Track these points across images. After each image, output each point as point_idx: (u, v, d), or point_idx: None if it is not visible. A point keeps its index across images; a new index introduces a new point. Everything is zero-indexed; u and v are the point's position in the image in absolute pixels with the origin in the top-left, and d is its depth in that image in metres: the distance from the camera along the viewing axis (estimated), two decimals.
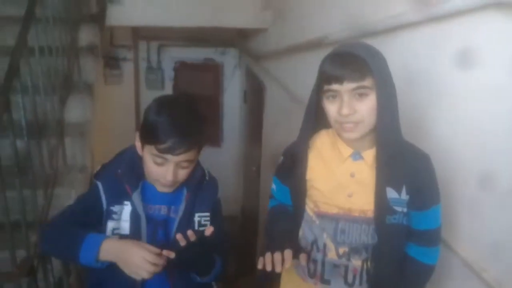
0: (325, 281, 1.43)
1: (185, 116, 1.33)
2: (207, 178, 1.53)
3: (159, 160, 1.32)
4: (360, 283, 1.41)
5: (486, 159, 1.34)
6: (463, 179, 1.41)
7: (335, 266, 1.41)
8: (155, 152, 1.31)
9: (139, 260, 1.25)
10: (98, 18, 3.24)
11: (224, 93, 5.66)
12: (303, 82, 2.99)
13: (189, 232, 1.31)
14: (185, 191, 1.46)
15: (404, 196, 1.32)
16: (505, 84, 1.26)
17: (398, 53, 1.33)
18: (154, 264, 1.26)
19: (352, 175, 1.35)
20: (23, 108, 2.04)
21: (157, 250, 1.28)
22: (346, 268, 1.40)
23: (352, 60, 1.21)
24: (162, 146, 1.29)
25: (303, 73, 2.99)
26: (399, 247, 1.40)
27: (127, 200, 1.41)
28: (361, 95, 1.22)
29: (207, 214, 1.50)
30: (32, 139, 2.14)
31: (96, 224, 1.43)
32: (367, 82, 1.21)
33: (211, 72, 5.55)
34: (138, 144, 1.40)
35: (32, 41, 2.22)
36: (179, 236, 1.31)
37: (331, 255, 1.41)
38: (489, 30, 1.31)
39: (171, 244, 1.36)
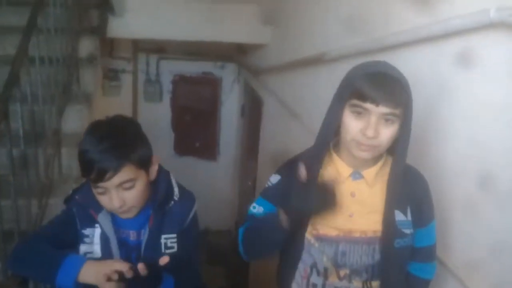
0: None
1: (107, 139, 1.27)
2: (176, 197, 1.44)
3: (100, 190, 1.29)
4: None
5: (486, 160, 1.35)
6: (462, 181, 1.42)
7: None
8: (92, 184, 1.29)
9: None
10: (99, 30, 3.26)
11: (222, 107, 5.66)
12: (301, 98, 3.01)
13: (140, 266, 1.23)
14: (149, 215, 1.41)
15: (410, 217, 1.32)
16: (505, 84, 1.26)
17: (401, 70, 1.33)
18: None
19: (352, 195, 1.32)
20: (21, 117, 2.04)
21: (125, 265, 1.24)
22: None
23: (392, 85, 1.20)
24: (92, 177, 1.26)
25: (302, 88, 3.00)
26: (405, 268, 1.41)
27: (96, 223, 1.39)
28: (387, 121, 1.20)
29: (174, 236, 1.43)
30: (28, 148, 2.13)
31: (70, 247, 1.40)
32: (399, 110, 1.20)
33: (210, 86, 5.57)
34: None
35: (33, 51, 2.22)
36: (140, 267, 1.24)
37: (332, 278, 1.37)
38: (496, 46, 1.32)
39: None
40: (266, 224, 1.34)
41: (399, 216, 1.31)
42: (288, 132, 3.28)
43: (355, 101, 1.21)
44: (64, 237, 1.39)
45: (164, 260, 1.25)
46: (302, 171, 1.25)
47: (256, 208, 1.43)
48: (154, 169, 1.39)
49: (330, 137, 1.35)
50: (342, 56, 2.18)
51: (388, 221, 1.30)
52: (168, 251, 1.41)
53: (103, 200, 1.31)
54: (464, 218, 1.43)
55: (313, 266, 1.38)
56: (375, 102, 1.18)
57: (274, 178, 1.42)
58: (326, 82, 2.50)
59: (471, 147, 1.41)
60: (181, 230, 1.44)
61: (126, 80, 5.23)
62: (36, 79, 2.26)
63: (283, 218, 1.25)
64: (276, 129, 3.72)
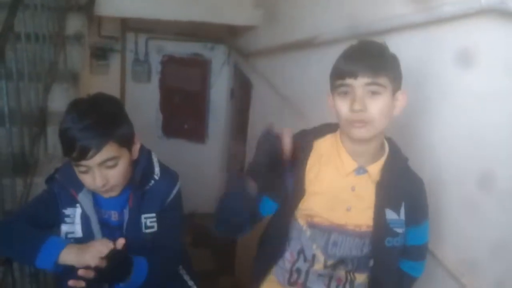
0: None
1: (89, 116, 1.26)
2: (156, 176, 1.43)
3: (82, 169, 1.28)
4: None
5: (485, 160, 1.35)
6: (461, 181, 1.42)
7: (320, 275, 1.38)
8: (73, 162, 1.27)
9: (97, 247, 1.24)
10: (87, 7, 3.20)
11: (211, 89, 5.63)
12: (291, 81, 3.00)
13: (119, 241, 1.28)
14: (131, 194, 1.41)
15: (403, 216, 1.32)
16: (502, 85, 1.26)
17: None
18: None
19: (352, 189, 1.31)
20: (6, 94, 2.00)
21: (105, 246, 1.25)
22: (330, 277, 1.38)
23: (368, 56, 1.20)
24: (74, 155, 1.24)
25: (292, 72, 2.99)
26: (395, 266, 1.41)
27: (77, 202, 1.38)
28: (374, 93, 1.18)
29: (153, 215, 1.43)
30: (14, 126, 2.10)
31: (52, 226, 1.40)
32: (381, 80, 1.18)
33: (199, 67, 5.52)
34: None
35: (19, 27, 2.17)
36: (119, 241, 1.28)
37: (318, 266, 1.37)
38: (484, 34, 1.31)
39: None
40: (235, 190, 1.31)
41: (391, 215, 1.31)
42: (278, 115, 3.27)
43: (338, 81, 1.22)
44: (45, 217, 1.39)
45: (120, 243, 1.26)
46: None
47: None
48: (136, 148, 1.38)
49: (317, 131, 1.37)
50: (333, 40, 2.17)
51: (378, 219, 1.30)
52: (148, 230, 1.42)
53: (85, 179, 1.30)
54: (463, 215, 1.43)
55: (301, 252, 1.38)
56: (353, 74, 1.18)
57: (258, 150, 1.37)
58: (316, 66, 2.49)
59: (467, 137, 1.41)
60: (162, 209, 1.44)
61: (114, 59, 5.16)
62: (22, 56, 2.21)
63: (251, 184, 1.23)
64: (265, 112, 3.71)
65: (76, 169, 1.30)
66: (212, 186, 5.71)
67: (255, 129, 4.04)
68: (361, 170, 1.30)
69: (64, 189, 1.39)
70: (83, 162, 1.25)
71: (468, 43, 1.37)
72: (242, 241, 4.41)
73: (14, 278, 1.54)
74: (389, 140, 1.36)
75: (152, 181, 1.42)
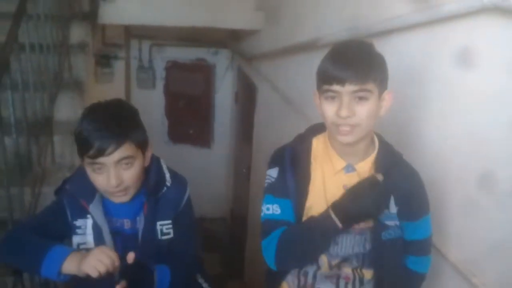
0: None
1: (108, 116, 1.28)
2: (168, 183, 1.44)
3: (97, 167, 1.27)
4: None
5: (485, 160, 1.35)
6: (460, 180, 1.42)
7: (327, 277, 1.39)
8: (89, 161, 1.27)
9: (97, 254, 1.22)
10: (90, 16, 3.22)
11: (216, 94, 5.64)
12: (295, 84, 3.00)
13: (129, 255, 1.23)
14: (144, 201, 1.41)
15: (394, 209, 1.32)
16: (504, 84, 1.26)
17: (393, 56, 1.32)
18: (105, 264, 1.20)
19: (344, 187, 1.31)
20: (12, 105, 2.01)
21: (112, 253, 1.23)
22: (338, 277, 1.38)
23: (356, 62, 1.19)
24: (92, 152, 1.24)
25: (295, 74, 2.99)
26: (400, 259, 1.41)
27: (88, 213, 1.38)
28: (361, 99, 1.19)
29: (169, 222, 1.43)
30: (21, 136, 2.12)
31: (60, 238, 1.40)
32: (369, 86, 1.19)
33: (203, 72, 5.54)
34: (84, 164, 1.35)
35: (23, 38, 2.19)
36: (129, 256, 1.24)
37: (324, 268, 1.38)
38: (486, 33, 1.31)
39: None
40: (314, 228, 1.29)
41: None
42: (282, 118, 3.27)
43: (325, 86, 1.22)
44: (53, 228, 1.39)
45: (130, 257, 1.24)
46: None
47: (271, 210, 1.35)
48: (149, 154, 1.40)
49: (313, 130, 1.38)
50: (335, 42, 2.17)
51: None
52: (164, 237, 1.42)
53: (99, 179, 1.29)
54: (464, 212, 1.43)
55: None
56: (341, 82, 1.18)
57: (273, 172, 1.37)
58: None
59: (466, 136, 1.41)
60: (176, 215, 1.44)
61: (119, 66, 5.19)
62: (26, 66, 2.23)
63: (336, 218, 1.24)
64: (270, 115, 3.71)
65: (90, 169, 1.29)
66: (219, 190, 5.73)
67: (261, 132, 4.05)
68: (350, 168, 1.31)
69: (74, 200, 1.38)
70: (101, 159, 1.25)
71: (469, 42, 1.37)
72: (251, 246, 4.41)
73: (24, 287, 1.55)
74: (379, 136, 1.36)
75: (165, 188, 1.43)
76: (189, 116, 5.64)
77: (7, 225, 1.93)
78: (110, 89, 4.99)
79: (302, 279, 1.41)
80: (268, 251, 1.35)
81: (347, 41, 1.28)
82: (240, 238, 4.70)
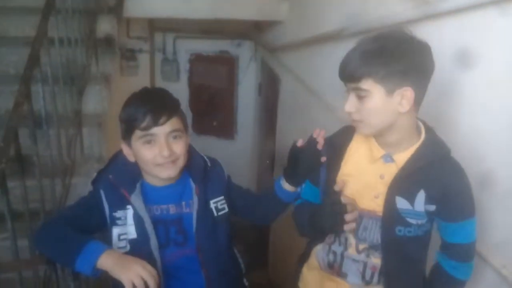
0: (342, 274, 1.43)
1: (156, 94, 1.39)
2: (209, 164, 1.52)
3: (148, 138, 1.33)
4: (378, 282, 1.39)
5: (485, 160, 1.34)
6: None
7: (354, 261, 1.40)
8: (141, 134, 1.32)
9: (139, 266, 1.24)
10: (116, 9, 3.26)
11: (239, 86, 5.65)
12: (319, 75, 2.99)
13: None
14: (192, 185, 1.46)
15: (420, 207, 1.29)
16: (504, 83, 1.25)
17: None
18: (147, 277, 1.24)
19: (381, 177, 1.32)
20: (43, 98, 2.06)
21: (153, 271, 1.27)
22: (365, 264, 1.39)
23: (353, 58, 1.21)
24: (145, 124, 1.30)
25: (320, 65, 2.98)
26: (415, 260, 1.39)
27: (128, 204, 1.40)
28: (361, 97, 1.21)
29: (222, 197, 1.51)
30: (51, 128, 2.17)
31: (95, 230, 1.44)
32: (365, 84, 1.19)
33: (226, 64, 5.55)
34: (126, 150, 1.40)
35: (52, 32, 2.24)
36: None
37: (351, 250, 1.40)
38: (487, 29, 1.30)
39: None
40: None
41: (402, 204, 1.29)
42: (306, 109, 3.26)
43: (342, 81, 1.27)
44: (88, 220, 1.41)
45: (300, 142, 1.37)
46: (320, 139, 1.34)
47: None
48: (188, 138, 1.45)
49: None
50: (360, 32, 2.15)
51: (387, 206, 1.31)
52: (220, 213, 1.49)
53: (151, 152, 1.33)
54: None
55: (337, 235, 1.42)
56: (342, 78, 1.24)
57: None
58: None
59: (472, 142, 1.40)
60: (226, 190, 1.53)
61: (144, 59, 5.24)
62: (56, 60, 2.28)
63: None
64: (294, 106, 3.70)
65: (141, 143, 1.33)
66: (242, 181, 5.72)
67: (284, 123, 4.05)
68: (388, 158, 1.32)
69: (113, 191, 1.40)
70: (154, 130, 1.31)
71: (470, 37, 1.36)
72: (275, 236, 4.43)
73: (58, 277, 1.59)
74: (428, 129, 1.33)
75: (208, 169, 1.51)
76: (213, 108, 5.67)
77: (40, 215, 1.98)
78: (135, 82, 5.04)
79: (331, 257, 1.44)
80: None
81: (376, 34, 1.25)
82: (264, 229, 4.72)
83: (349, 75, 1.20)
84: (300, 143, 1.37)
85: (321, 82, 2.93)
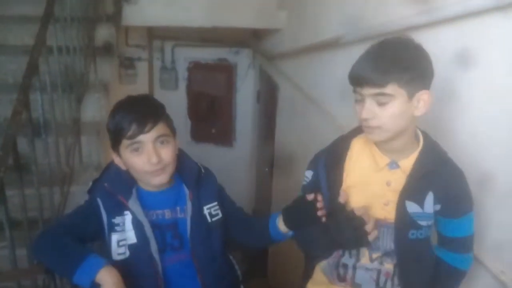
0: (356, 285, 1.42)
1: (140, 101, 1.39)
2: (203, 171, 1.53)
3: (136, 146, 1.33)
4: (392, 286, 1.40)
5: (486, 160, 1.35)
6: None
7: (367, 270, 1.40)
8: (128, 143, 1.33)
9: None
10: (114, 18, 3.27)
11: (237, 93, 5.65)
12: (317, 83, 2.99)
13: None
14: (186, 190, 1.47)
15: (429, 209, 1.31)
16: (505, 85, 1.26)
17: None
18: None
19: (388, 184, 1.32)
20: (42, 106, 2.06)
21: None
22: (379, 272, 1.39)
23: (376, 64, 1.18)
24: (131, 132, 1.31)
25: (318, 73, 2.98)
26: (426, 259, 1.41)
27: (126, 210, 1.40)
28: (382, 103, 1.19)
29: (215, 203, 1.51)
30: (49, 137, 2.16)
31: (92, 238, 1.44)
32: (388, 89, 1.18)
33: (225, 72, 5.56)
34: (117, 160, 1.41)
35: (50, 40, 2.24)
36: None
37: (364, 260, 1.39)
38: (490, 33, 1.31)
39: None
40: None
41: (412, 208, 1.31)
42: (305, 117, 3.27)
43: (352, 87, 1.24)
44: (85, 228, 1.41)
45: (309, 196, 1.35)
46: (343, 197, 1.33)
47: (306, 177, 1.47)
48: (177, 142, 1.45)
49: (354, 131, 1.40)
50: (358, 40, 2.16)
51: (399, 212, 1.31)
52: (214, 219, 1.49)
53: (140, 160, 1.34)
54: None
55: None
56: (360, 84, 1.20)
57: (309, 174, 1.45)
58: (342, 66, 2.47)
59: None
60: (219, 197, 1.54)
61: (142, 68, 5.23)
62: (54, 68, 2.28)
63: None
64: (293, 114, 3.71)
65: (129, 152, 1.34)
66: (241, 189, 5.73)
67: (283, 131, 4.05)
68: (393, 165, 1.32)
69: (110, 198, 1.40)
70: (140, 137, 1.31)
71: (472, 42, 1.37)
72: (275, 245, 4.41)
73: (56, 286, 1.58)
74: (424, 134, 1.35)
75: (202, 175, 1.51)
76: (211, 116, 5.67)
77: (38, 224, 1.98)
78: (134, 90, 4.92)
79: (341, 270, 1.43)
80: None
81: (383, 40, 1.25)
82: None
83: (372, 81, 1.18)
84: (310, 197, 1.36)
85: (320, 90, 2.93)
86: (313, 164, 1.44)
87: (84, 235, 1.41)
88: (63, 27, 2.41)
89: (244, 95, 5.63)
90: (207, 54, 5.45)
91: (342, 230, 1.30)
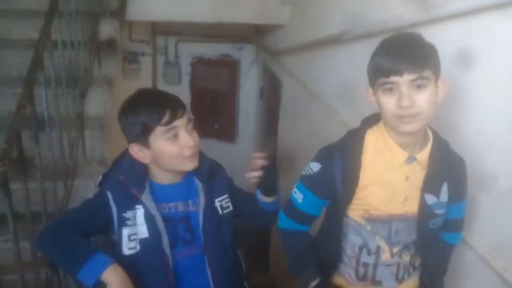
0: (377, 282, 1.43)
1: (160, 92, 1.44)
2: (213, 163, 1.56)
3: (172, 133, 1.35)
4: (409, 277, 1.44)
5: (490, 161, 1.35)
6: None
7: (388, 266, 1.41)
8: (163, 129, 1.34)
9: None
10: (119, 12, 3.27)
11: (240, 89, 5.66)
12: (321, 78, 2.99)
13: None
14: (198, 183, 1.49)
15: (444, 198, 1.35)
16: (505, 84, 1.26)
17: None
18: None
19: (406, 179, 1.33)
20: (46, 100, 2.07)
21: None
22: (398, 265, 1.41)
23: (410, 50, 1.18)
24: (166, 118, 1.33)
25: (321, 69, 2.98)
26: (439, 242, 1.48)
27: (138, 204, 1.40)
28: (420, 87, 1.18)
29: (226, 195, 1.53)
30: (53, 131, 2.17)
31: (99, 232, 1.45)
32: (426, 73, 1.18)
33: (228, 68, 5.56)
34: (139, 153, 1.39)
35: (55, 35, 2.25)
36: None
37: (385, 256, 1.40)
38: (489, 31, 1.31)
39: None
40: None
41: (430, 199, 1.34)
42: (308, 113, 3.27)
43: (381, 80, 1.21)
44: (92, 222, 1.41)
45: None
46: None
47: (297, 194, 1.45)
48: None
49: (367, 122, 1.39)
50: (362, 36, 2.16)
51: (422, 206, 1.34)
52: (225, 211, 1.52)
53: (175, 146, 1.36)
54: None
55: (363, 246, 1.40)
56: (398, 73, 1.17)
57: (315, 166, 1.40)
58: (346, 62, 2.48)
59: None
60: (230, 189, 1.57)
61: (146, 63, 5.24)
62: (59, 62, 2.29)
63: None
64: (296, 110, 3.71)
65: (163, 138, 1.35)
66: (243, 185, 5.74)
67: (286, 127, 4.05)
68: (411, 160, 1.32)
69: (122, 191, 1.40)
70: (176, 122, 1.35)
71: (471, 40, 1.37)
72: (276, 239, 4.42)
73: (60, 280, 1.59)
74: (429, 126, 1.36)
75: (213, 169, 1.54)
76: (214, 111, 5.68)
77: (41, 218, 1.99)
78: (137, 85, 4.94)
79: (361, 269, 1.43)
80: (280, 219, 1.54)
81: (396, 34, 1.26)
82: (265, 232, 4.71)
83: (414, 64, 1.16)
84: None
85: (323, 86, 2.93)
86: (324, 159, 1.39)
87: (91, 229, 1.41)
88: (67, 22, 2.42)
89: (247, 91, 5.63)
90: (211, 49, 5.45)
91: None
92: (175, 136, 1.36)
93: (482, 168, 1.41)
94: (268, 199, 1.57)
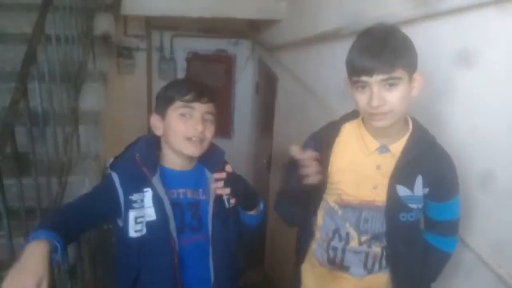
0: (345, 267, 1.46)
1: (199, 80, 1.51)
2: (226, 161, 1.56)
3: (186, 111, 1.40)
4: (380, 268, 1.44)
5: (486, 159, 1.36)
6: (462, 179, 1.42)
7: (356, 253, 1.43)
8: (181, 105, 1.40)
9: (31, 281, 1.13)
10: (113, 7, 3.25)
11: (236, 85, 5.64)
12: (316, 74, 2.99)
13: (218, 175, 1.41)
14: (208, 174, 1.51)
15: (419, 192, 1.35)
16: (505, 83, 1.26)
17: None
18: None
19: (378, 168, 1.36)
20: (39, 95, 2.05)
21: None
22: (367, 254, 1.43)
23: (382, 50, 1.19)
24: (188, 96, 1.39)
25: (317, 64, 2.98)
26: (415, 242, 1.45)
27: (146, 186, 1.41)
28: (391, 85, 1.21)
29: None
30: (47, 126, 2.16)
31: (105, 216, 1.47)
32: (398, 72, 1.20)
33: (223, 63, 5.54)
34: (155, 123, 1.46)
35: (49, 29, 2.23)
36: (217, 175, 1.40)
37: (353, 243, 1.43)
38: (485, 28, 1.31)
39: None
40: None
41: (403, 191, 1.34)
42: (304, 108, 3.27)
43: (354, 78, 1.24)
44: (98, 207, 1.42)
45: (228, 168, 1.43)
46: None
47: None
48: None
49: (346, 117, 1.43)
50: (358, 32, 2.15)
51: (390, 195, 1.35)
52: (231, 206, 1.52)
53: (185, 125, 1.41)
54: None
55: (336, 231, 1.45)
56: (369, 73, 1.20)
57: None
58: (342, 58, 2.46)
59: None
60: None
61: (141, 58, 5.22)
62: (53, 57, 2.27)
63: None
64: (291, 106, 3.70)
65: (176, 114, 1.42)
66: None
67: (281, 122, 4.05)
68: (384, 149, 1.35)
69: (131, 174, 1.42)
70: (194, 104, 1.41)
71: (470, 37, 1.37)
72: (271, 235, 4.43)
73: (54, 275, 1.58)
74: (413, 119, 1.38)
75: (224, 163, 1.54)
76: None
77: (35, 213, 1.98)
78: (132, 81, 5.03)
79: (331, 253, 1.46)
80: None
81: (371, 28, 1.27)
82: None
83: (382, 68, 1.19)
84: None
85: (319, 81, 2.93)
86: (303, 145, 1.42)
87: (97, 214, 1.43)
88: (61, 16, 2.40)
89: (243, 87, 5.62)
90: (206, 45, 5.43)
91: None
92: (189, 116, 1.41)
93: (478, 165, 1.41)
94: (252, 212, 1.54)
